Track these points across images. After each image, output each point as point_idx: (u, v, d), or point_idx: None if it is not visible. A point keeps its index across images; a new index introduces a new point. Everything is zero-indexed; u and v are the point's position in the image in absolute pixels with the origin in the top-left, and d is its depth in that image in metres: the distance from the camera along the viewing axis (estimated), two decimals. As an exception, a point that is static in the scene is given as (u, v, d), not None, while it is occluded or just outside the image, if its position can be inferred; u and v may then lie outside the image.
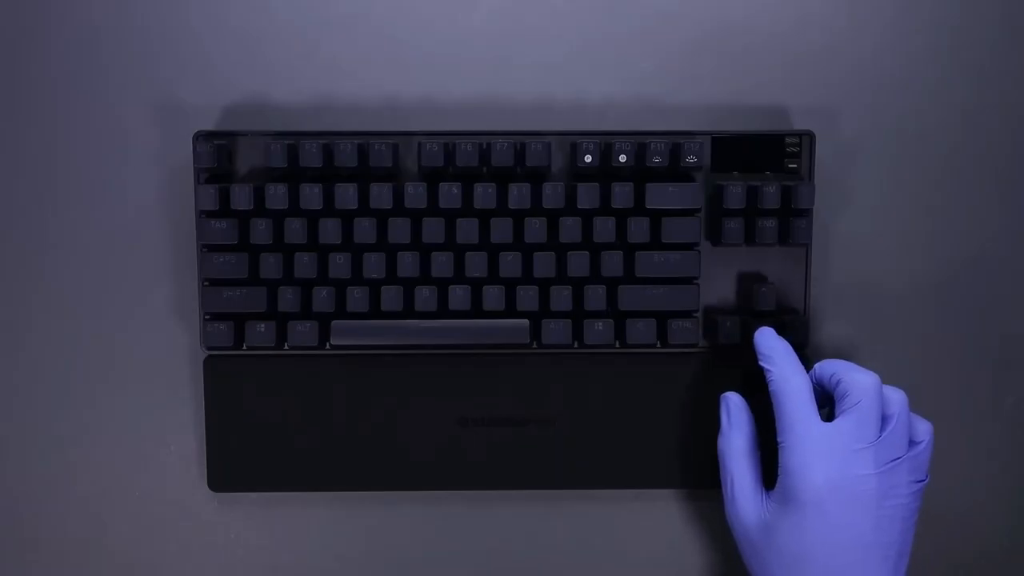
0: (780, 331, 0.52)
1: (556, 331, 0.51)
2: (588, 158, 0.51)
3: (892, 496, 0.46)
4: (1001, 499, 0.56)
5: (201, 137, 0.51)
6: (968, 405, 0.56)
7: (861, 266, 0.55)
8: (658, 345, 0.52)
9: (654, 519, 0.55)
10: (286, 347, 0.52)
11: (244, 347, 0.52)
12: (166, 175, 0.54)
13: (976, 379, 0.56)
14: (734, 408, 0.50)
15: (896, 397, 0.47)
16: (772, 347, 0.49)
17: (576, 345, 0.52)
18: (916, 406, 0.55)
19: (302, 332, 0.51)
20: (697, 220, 0.52)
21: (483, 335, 0.51)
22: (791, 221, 0.52)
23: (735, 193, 0.51)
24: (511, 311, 0.52)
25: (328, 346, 0.52)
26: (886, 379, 0.55)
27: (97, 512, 0.55)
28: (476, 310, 0.52)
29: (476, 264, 0.51)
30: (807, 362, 0.50)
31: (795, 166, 0.53)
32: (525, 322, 0.51)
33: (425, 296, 0.51)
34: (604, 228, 0.51)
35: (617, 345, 0.52)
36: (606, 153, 0.51)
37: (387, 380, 0.53)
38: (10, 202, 0.54)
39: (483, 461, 0.53)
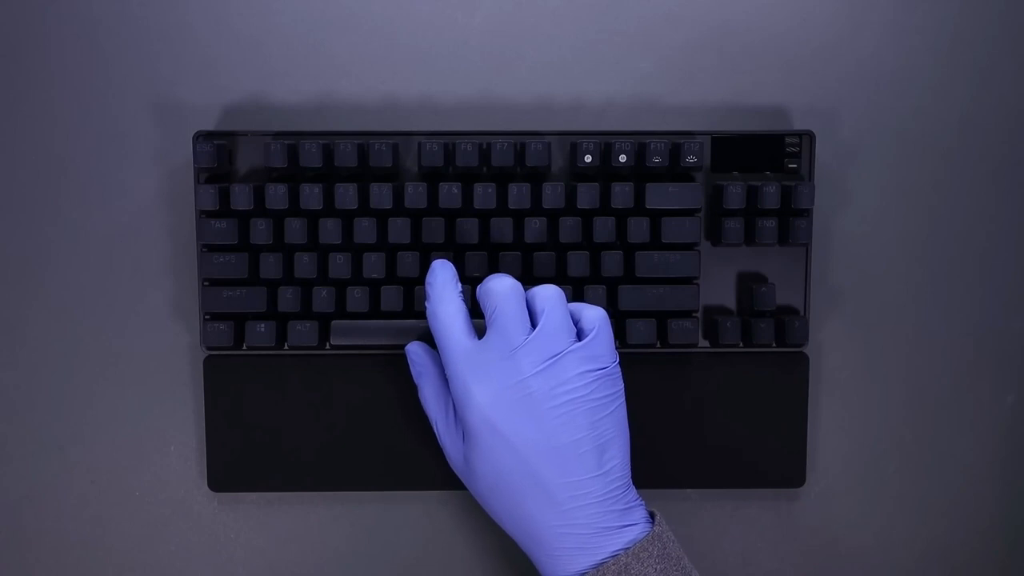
0: (780, 331, 0.52)
1: (556, 331, 0.51)
2: (588, 158, 0.51)
3: (562, 393, 0.44)
4: (1001, 498, 0.56)
5: (201, 137, 0.51)
6: (968, 405, 0.56)
7: (861, 266, 0.55)
8: (658, 345, 0.52)
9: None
10: (286, 347, 0.52)
11: (244, 347, 0.52)
12: (166, 175, 0.54)
13: (976, 379, 0.56)
14: (415, 357, 0.50)
15: (544, 292, 0.46)
16: (429, 281, 0.48)
17: (576, 345, 0.52)
18: (916, 406, 0.55)
19: (302, 332, 0.51)
20: (697, 220, 0.52)
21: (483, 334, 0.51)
22: (791, 221, 0.52)
23: (735, 193, 0.51)
24: (511, 311, 0.52)
25: (328, 346, 0.52)
26: (885, 378, 0.56)
27: (97, 512, 0.55)
28: (476, 310, 0.52)
29: (476, 264, 0.51)
30: (806, 358, 0.50)
31: (795, 166, 0.53)
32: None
33: (425, 296, 0.51)
34: (604, 228, 0.51)
35: (617, 345, 0.52)
36: (606, 153, 0.51)
37: (387, 380, 0.53)
38: (10, 202, 0.54)
39: (483, 461, 0.53)
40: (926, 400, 0.56)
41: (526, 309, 0.46)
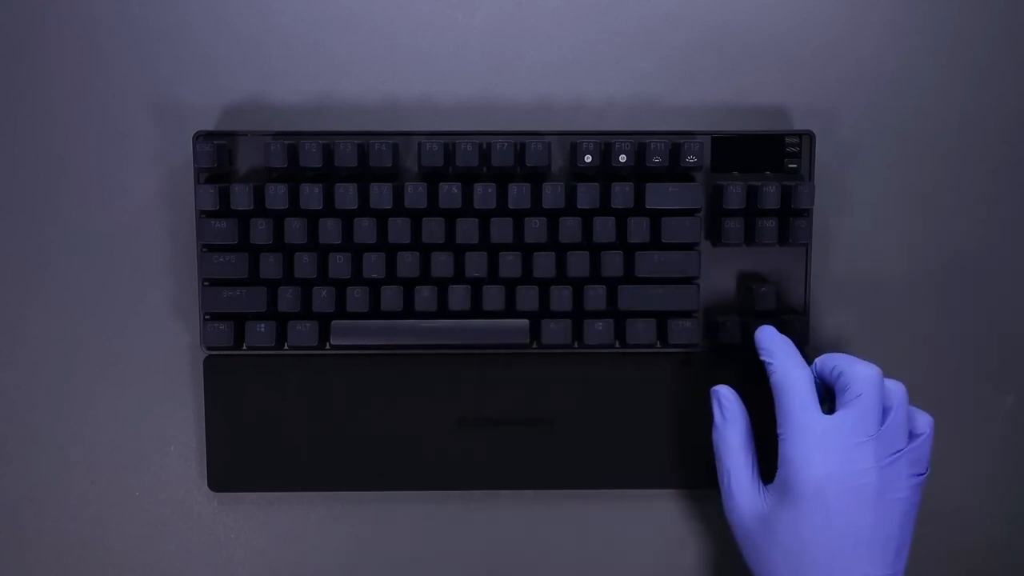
0: (780, 330, 0.52)
1: (556, 331, 0.51)
2: (588, 158, 0.51)
3: (892, 490, 0.46)
4: (1001, 498, 0.56)
5: (201, 137, 0.51)
6: (968, 405, 0.56)
7: (861, 266, 0.55)
8: (658, 345, 0.52)
9: (654, 519, 0.55)
10: (286, 347, 0.52)
11: (244, 347, 0.52)
12: (166, 175, 0.54)
13: (976, 379, 0.56)
14: (725, 401, 0.50)
15: (896, 390, 0.47)
16: (774, 342, 0.50)
17: (576, 345, 0.52)
18: (916, 405, 0.55)
19: (302, 332, 0.51)
20: (697, 220, 0.52)
21: (483, 335, 0.51)
22: (791, 221, 0.52)
23: (735, 193, 0.51)
24: (511, 311, 0.52)
25: (328, 346, 0.52)
26: (888, 379, 0.55)
27: (97, 512, 0.55)
28: (476, 310, 0.52)
29: (476, 264, 0.51)
30: (808, 360, 0.50)
31: (795, 166, 0.53)
32: (525, 322, 0.51)
33: (425, 296, 0.51)
34: (604, 228, 0.51)
35: (617, 345, 0.52)
36: (606, 153, 0.51)
37: (387, 380, 0.53)
38: (10, 202, 0.54)
39: (483, 461, 0.53)
40: (926, 400, 0.55)
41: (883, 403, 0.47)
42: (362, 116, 0.54)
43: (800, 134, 0.52)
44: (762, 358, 0.49)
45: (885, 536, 0.46)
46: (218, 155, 0.51)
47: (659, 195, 0.51)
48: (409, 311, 0.51)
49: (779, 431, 0.47)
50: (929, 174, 0.55)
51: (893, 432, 0.46)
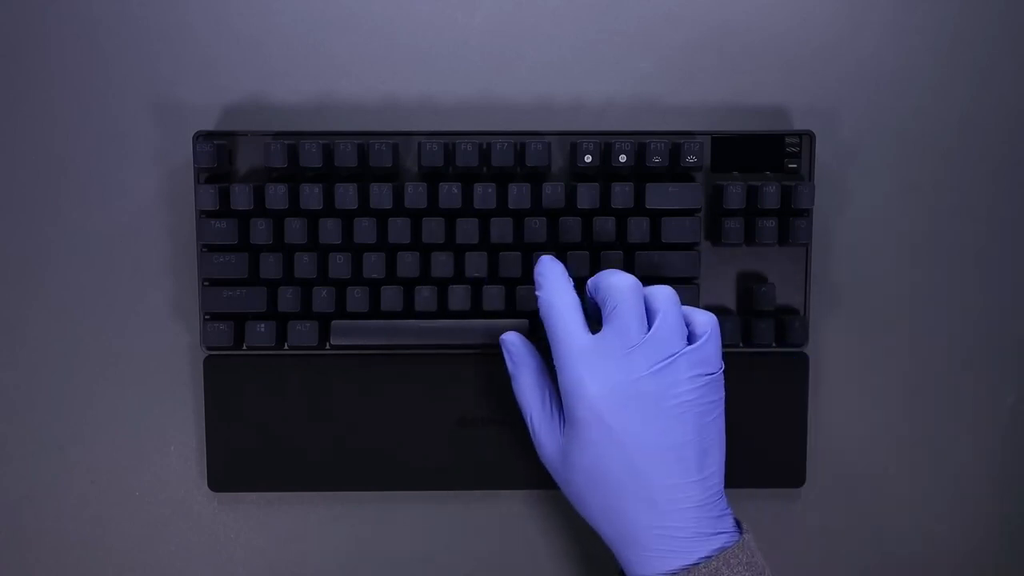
0: (780, 331, 0.52)
1: (556, 331, 0.51)
2: (588, 158, 0.51)
3: (672, 395, 0.44)
4: (1001, 498, 0.56)
5: (201, 137, 0.51)
6: (968, 405, 0.56)
7: (861, 266, 0.55)
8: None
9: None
10: (286, 347, 0.52)
11: (244, 347, 0.52)
12: (166, 175, 0.54)
13: (976, 379, 0.56)
14: (512, 348, 0.49)
15: (661, 294, 0.46)
16: (542, 272, 0.48)
17: (576, 345, 0.52)
18: (915, 406, 0.55)
19: (302, 332, 0.51)
20: (697, 220, 0.52)
21: (483, 335, 0.51)
22: (791, 221, 0.52)
23: (735, 193, 0.51)
24: (511, 311, 0.52)
25: (328, 346, 0.52)
26: (885, 378, 0.56)
27: (97, 512, 0.55)
28: (476, 310, 0.52)
29: (476, 264, 0.51)
30: (805, 358, 0.50)
31: (795, 166, 0.53)
32: (525, 322, 0.51)
33: (425, 296, 0.51)
34: (604, 228, 0.51)
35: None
36: (606, 153, 0.51)
37: (387, 380, 0.53)
38: (10, 202, 0.54)
39: (483, 461, 0.53)
40: (926, 400, 0.56)
41: (644, 308, 0.45)
42: (362, 116, 0.54)
43: (800, 134, 0.52)
44: (535, 291, 0.48)
45: (679, 443, 0.44)
46: (218, 155, 0.51)
47: (659, 195, 0.51)
48: (409, 311, 0.51)
49: (554, 361, 0.46)
50: (929, 174, 0.55)
51: (661, 337, 0.44)
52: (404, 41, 0.55)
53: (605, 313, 0.45)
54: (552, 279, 0.47)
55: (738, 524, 0.46)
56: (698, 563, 0.44)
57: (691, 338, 0.45)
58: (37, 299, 0.54)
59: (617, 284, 0.45)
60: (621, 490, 0.44)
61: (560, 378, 0.46)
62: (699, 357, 0.45)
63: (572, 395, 0.45)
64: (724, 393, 0.46)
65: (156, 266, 0.54)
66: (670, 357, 0.44)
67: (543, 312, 0.47)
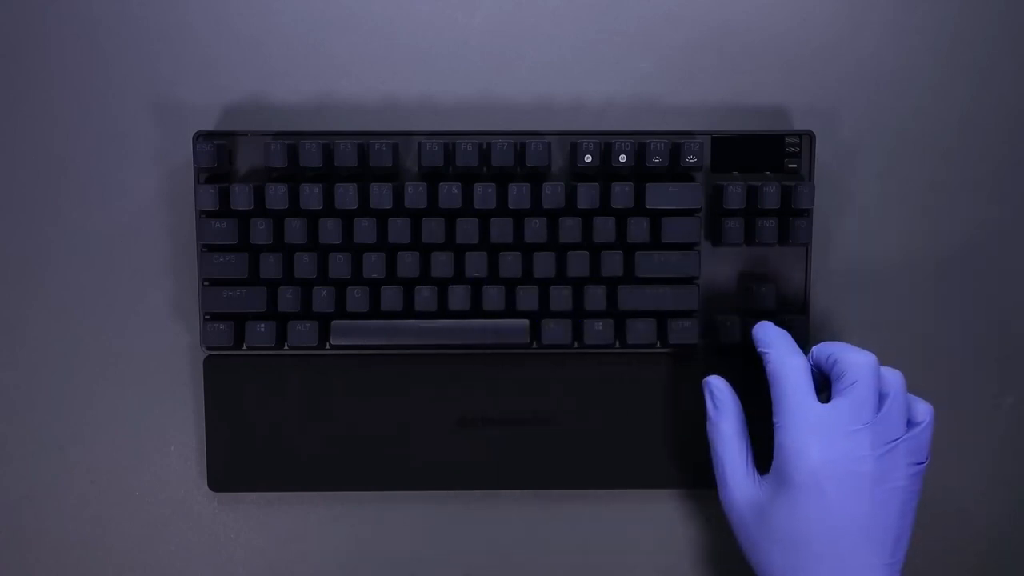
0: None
1: (556, 331, 0.51)
2: (588, 158, 0.51)
3: (889, 479, 0.45)
4: (1001, 498, 0.56)
5: (201, 137, 0.51)
6: (968, 404, 0.56)
7: (861, 266, 0.55)
8: (658, 345, 0.52)
9: (654, 519, 0.55)
10: (286, 347, 0.52)
11: (244, 347, 0.52)
12: (166, 175, 0.54)
13: (976, 378, 0.56)
14: (717, 392, 0.50)
15: (892, 378, 0.47)
16: (770, 334, 0.49)
17: (576, 345, 0.52)
18: (916, 406, 0.55)
19: (302, 332, 0.51)
20: (697, 220, 0.52)
21: (483, 335, 0.51)
22: (791, 221, 0.52)
23: (735, 193, 0.51)
24: (511, 311, 0.52)
25: (328, 346, 0.52)
26: (886, 379, 0.55)
27: (97, 512, 0.55)
28: (476, 310, 0.52)
29: (476, 264, 0.51)
30: (805, 350, 0.50)
31: (795, 166, 0.53)
32: (525, 322, 0.52)
33: (425, 296, 0.51)
34: (604, 228, 0.51)
35: (617, 345, 0.52)
36: (606, 153, 0.51)
37: (387, 380, 0.53)
38: (10, 202, 0.54)
39: (483, 461, 0.53)
40: (926, 400, 0.56)
41: (879, 389, 0.47)
42: (362, 116, 0.54)
43: (800, 134, 0.52)
44: (759, 349, 0.49)
45: (883, 525, 0.45)
46: (218, 155, 0.51)
47: (659, 195, 0.51)
48: (409, 311, 0.51)
49: (775, 419, 0.47)
50: (929, 174, 0.55)
51: (890, 420, 0.46)
52: (404, 41, 0.55)
53: (840, 386, 0.46)
54: (783, 341, 0.49)
55: None
56: None
57: (909, 425, 0.47)
58: (37, 299, 0.54)
59: (858, 361, 0.47)
60: (817, 561, 0.45)
61: (782, 438, 0.46)
62: (916, 445, 0.46)
63: (793, 458, 0.46)
64: (920, 484, 0.47)
65: (156, 266, 0.54)
66: (893, 442, 0.45)
67: (773, 370, 0.48)
